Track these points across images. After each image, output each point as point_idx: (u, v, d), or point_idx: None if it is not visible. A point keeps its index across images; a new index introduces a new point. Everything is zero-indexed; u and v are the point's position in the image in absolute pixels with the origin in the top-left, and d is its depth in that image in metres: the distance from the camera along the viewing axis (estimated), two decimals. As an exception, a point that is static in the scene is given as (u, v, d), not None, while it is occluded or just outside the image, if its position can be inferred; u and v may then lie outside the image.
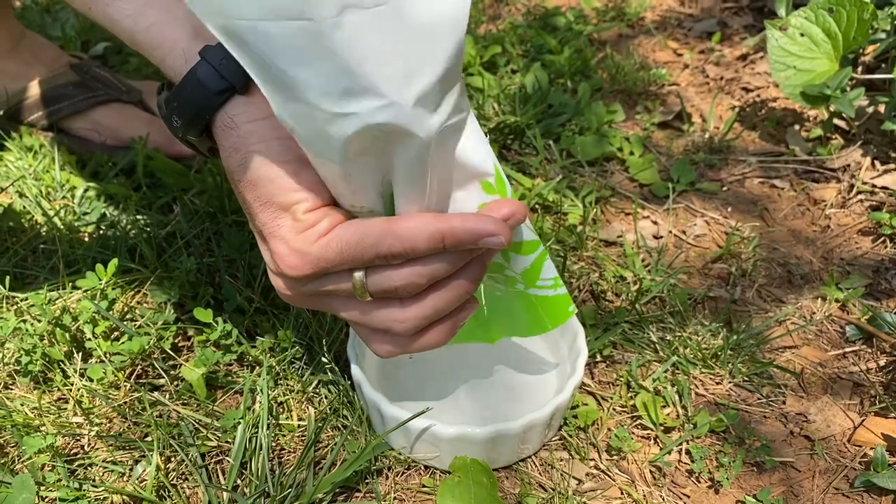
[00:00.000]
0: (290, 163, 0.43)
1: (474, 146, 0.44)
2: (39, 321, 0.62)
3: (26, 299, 0.66)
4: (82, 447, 0.57)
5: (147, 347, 0.61)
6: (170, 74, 0.45)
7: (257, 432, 0.57)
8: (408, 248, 0.41)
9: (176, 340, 0.65)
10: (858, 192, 0.87)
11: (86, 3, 0.44)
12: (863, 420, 0.63)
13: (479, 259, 0.45)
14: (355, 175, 0.42)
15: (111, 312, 0.63)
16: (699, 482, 0.58)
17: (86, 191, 0.81)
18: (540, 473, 0.58)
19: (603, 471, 0.58)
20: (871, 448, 0.60)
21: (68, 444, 0.58)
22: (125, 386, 0.60)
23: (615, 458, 0.59)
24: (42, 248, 0.73)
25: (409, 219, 0.42)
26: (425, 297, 0.45)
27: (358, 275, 0.43)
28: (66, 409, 0.59)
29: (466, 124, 0.44)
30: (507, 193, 0.46)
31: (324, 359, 0.61)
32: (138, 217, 0.76)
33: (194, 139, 0.46)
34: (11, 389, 0.61)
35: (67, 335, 0.61)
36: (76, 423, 0.58)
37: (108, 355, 0.61)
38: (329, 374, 0.61)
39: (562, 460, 0.59)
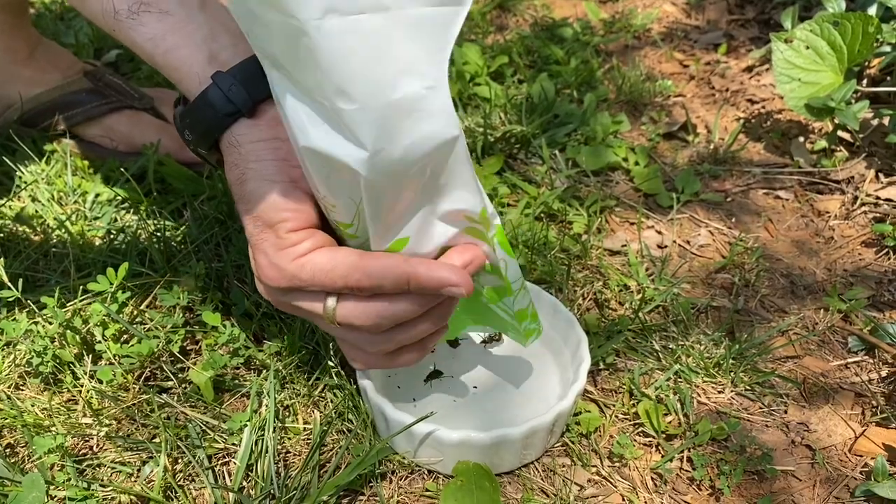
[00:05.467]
0: (280, 183, 0.46)
1: (465, 187, 0.44)
2: (50, 323, 0.63)
3: (38, 302, 0.67)
4: (91, 448, 0.58)
5: (156, 350, 0.62)
6: (185, 93, 0.49)
7: (263, 435, 0.57)
8: (374, 286, 0.45)
9: (184, 344, 0.66)
10: (862, 204, 0.87)
11: (110, 25, 0.47)
12: (864, 430, 0.63)
13: (445, 303, 0.49)
14: (332, 186, 0.44)
15: (121, 315, 0.64)
16: (700, 490, 0.59)
17: (97, 196, 0.82)
18: (542, 479, 0.58)
19: (605, 477, 0.59)
20: (872, 458, 0.60)
21: (77, 444, 0.58)
22: (134, 388, 0.61)
23: (617, 464, 0.60)
24: (54, 251, 0.74)
25: (379, 258, 0.45)
26: (391, 334, 0.49)
27: (330, 302, 0.47)
28: (75, 410, 0.60)
29: (453, 169, 0.43)
30: (491, 227, 0.47)
31: (330, 363, 0.62)
32: (149, 222, 0.77)
33: (204, 152, 0.50)
34: (22, 390, 0.62)
35: (78, 337, 0.62)
36: (85, 423, 0.59)
37: (117, 357, 0.62)
38: (335, 378, 0.62)
39: (564, 466, 0.59)
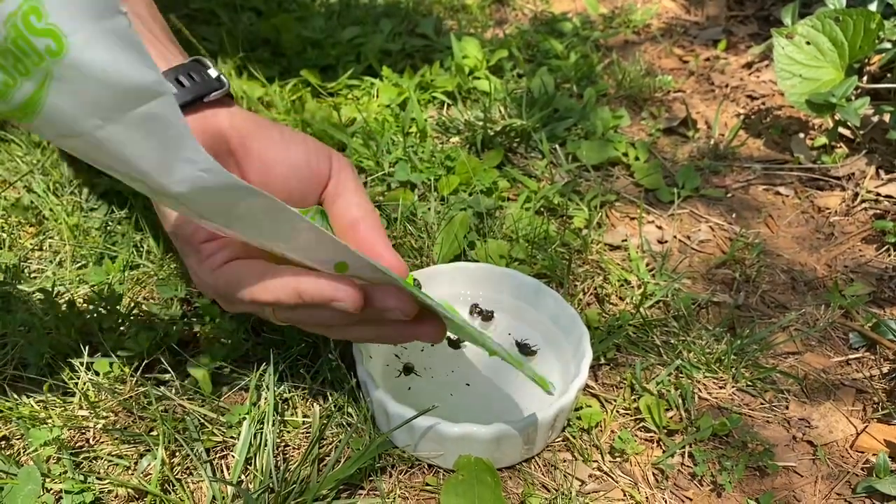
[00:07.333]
0: None
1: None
2: (47, 315, 0.62)
3: (34, 293, 0.66)
4: (88, 440, 0.58)
5: (153, 342, 0.61)
6: None
7: (262, 428, 0.57)
8: (272, 300, 0.45)
9: (182, 336, 0.65)
10: (862, 201, 0.87)
11: None
12: (865, 426, 0.63)
13: (388, 324, 0.49)
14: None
15: (118, 307, 0.64)
16: (701, 485, 0.58)
17: (94, 186, 0.81)
18: (543, 474, 0.58)
19: (606, 472, 0.58)
20: (874, 454, 0.60)
21: (74, 436, 0.58)
22: (131, 380, 0.60)
23: (618, 460, 0.60)
24: (50, 242, 0.73)
25: (278, 273, 0.44)
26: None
27: (268, 308, 0.47)
28: (72, 402, 0.59)
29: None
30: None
31: (330, 356, 0.62)
32: (145, 213, 0.76)
33: None
34: (18, 382, 0.61)
35: (74, 329, 0.61)
36: (82, 416, 0.58)
37: (114, 350, 0.61)
38: (335, 371, 0.61)
39: (565, 461, 0.59)
